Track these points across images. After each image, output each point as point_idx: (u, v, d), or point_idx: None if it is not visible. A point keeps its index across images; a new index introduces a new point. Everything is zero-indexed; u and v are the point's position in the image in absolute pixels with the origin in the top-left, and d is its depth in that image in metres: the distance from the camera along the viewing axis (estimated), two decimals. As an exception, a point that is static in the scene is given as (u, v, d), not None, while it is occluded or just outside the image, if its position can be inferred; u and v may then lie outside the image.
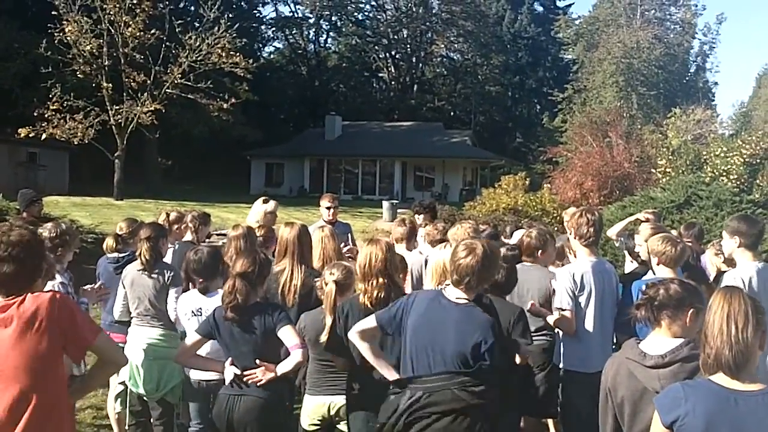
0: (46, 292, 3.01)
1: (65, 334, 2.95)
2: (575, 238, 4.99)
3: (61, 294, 3.05)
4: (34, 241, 3.09)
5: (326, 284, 4.35)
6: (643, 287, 3.30)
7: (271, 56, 55.09)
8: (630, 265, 6.56)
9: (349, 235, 7.87)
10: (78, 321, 3.00)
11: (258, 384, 4.00)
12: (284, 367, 4.01)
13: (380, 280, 4.15)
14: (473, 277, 3.61)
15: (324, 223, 7.51)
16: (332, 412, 4.37)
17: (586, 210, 5.12)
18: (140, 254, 5.27)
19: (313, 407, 4.42)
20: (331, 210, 7.78)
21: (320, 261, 5.21)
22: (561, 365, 4.96)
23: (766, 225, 5.40)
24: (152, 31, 26.48)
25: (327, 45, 59.25)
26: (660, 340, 3.10)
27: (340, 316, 4.17)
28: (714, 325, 2.53)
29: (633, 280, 5.46)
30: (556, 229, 7.52)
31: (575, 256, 6.08)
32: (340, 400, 4.32)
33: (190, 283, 4.94)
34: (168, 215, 6.87)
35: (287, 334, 3.99)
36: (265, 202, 7.32)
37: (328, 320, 4.24)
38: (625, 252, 7.05)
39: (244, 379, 4.01)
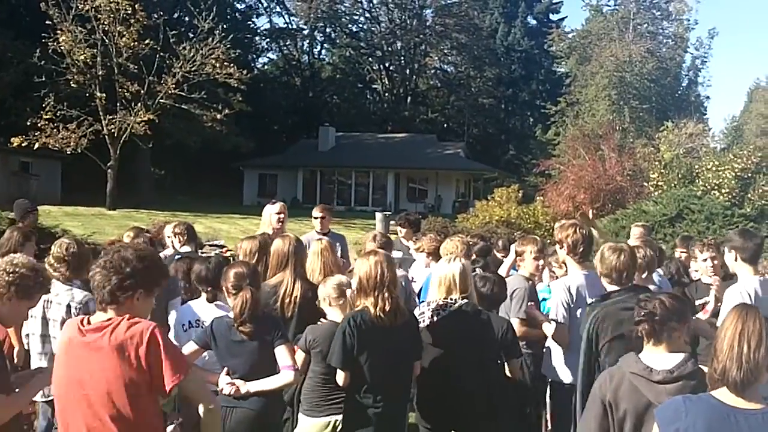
0: (142, 321, 2.94)
1: (150, 369, 2.89)
2: (567, 252, 4.98)
3: (155, 327, 2.93)
4: (145, 259, 3.05)
5: (344, 295, 4.38)
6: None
7: (265, 67, 55.11)
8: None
9: (340, 246, 7.42)
10: (165, 358, 2.89)
11: (246, 396, 3.96)
12: (271, 383, 3.97)
13: (391, 291, 4.14)
14: (629, 271, 4.30)
15: (317, 234, 7.48)
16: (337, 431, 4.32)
17: (576, 224, 5.14)
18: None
19: (313, 429, 4.34)
20: (319, 220, 7.74)
21: (321, 273, 5.12)
22: (552, 378, 4.97)
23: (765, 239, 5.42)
24: (146, 42, 26.37)
25: (321, 56, 59.42)
26: (660, 355, 3.10)
27: (353, 328, 4.10)
28: (725, 340, 2.50)
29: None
30: (549, 241, 7.49)
31: (559, 269, 6.14)
32: (342, 418, 4.28)
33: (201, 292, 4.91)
34: (148, 231, 6.93)
35: (283, 354, 3.97)
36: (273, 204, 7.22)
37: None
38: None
39: (234, 391, 3.95)
